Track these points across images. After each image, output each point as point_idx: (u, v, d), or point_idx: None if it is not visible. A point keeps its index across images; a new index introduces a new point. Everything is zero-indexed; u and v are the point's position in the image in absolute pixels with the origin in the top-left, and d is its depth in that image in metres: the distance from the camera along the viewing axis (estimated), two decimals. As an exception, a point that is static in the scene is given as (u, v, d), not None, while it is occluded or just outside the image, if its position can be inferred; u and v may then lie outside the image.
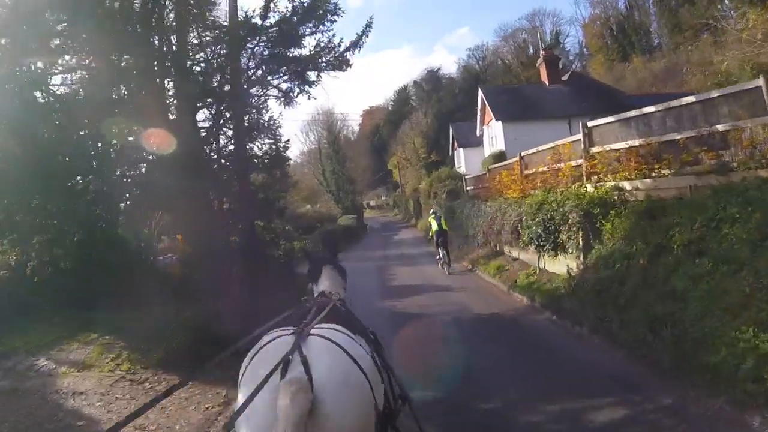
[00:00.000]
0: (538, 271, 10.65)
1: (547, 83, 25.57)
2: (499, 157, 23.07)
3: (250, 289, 8.46)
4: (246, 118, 10.00)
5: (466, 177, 20.27)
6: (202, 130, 9.66)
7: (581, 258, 8.88)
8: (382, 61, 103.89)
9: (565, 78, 26.40)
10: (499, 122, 23.61)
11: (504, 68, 67.21)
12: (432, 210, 17.71)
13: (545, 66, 25.70)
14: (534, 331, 7.98)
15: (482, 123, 26.91)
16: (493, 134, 25.27)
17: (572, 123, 23.29)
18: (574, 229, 8.89)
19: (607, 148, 9.38)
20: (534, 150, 12.99)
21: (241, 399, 2.08)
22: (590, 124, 9.98)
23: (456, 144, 34.38)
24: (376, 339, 3.07)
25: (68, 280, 8.31)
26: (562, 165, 10.41)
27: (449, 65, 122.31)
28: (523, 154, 13.34)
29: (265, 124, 10.46)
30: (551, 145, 11.56)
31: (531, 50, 65.87)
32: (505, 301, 10.24)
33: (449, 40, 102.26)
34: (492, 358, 6.58)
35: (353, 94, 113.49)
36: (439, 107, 64.23)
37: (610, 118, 9.61)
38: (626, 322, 6.12)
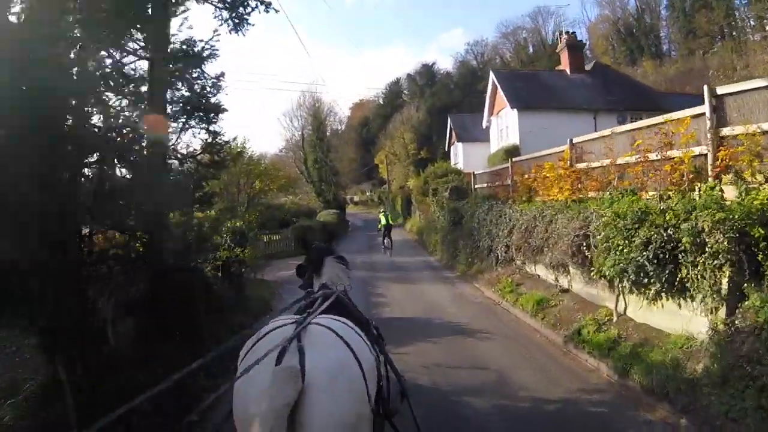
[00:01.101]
0: (615, 317, 6.73)
1: (568, 71, 21.78)
2: (513, 152, 19.25)
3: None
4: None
5: (476, 173, 16.30)
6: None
7: (724, 309, 5.02)
8: (374, 59, 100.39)
9: (588, 68, 22.65)
10: (514, 111, 19.73)
11: (503, 65, 63.77)
12: (381, 209, 22.35)
13: (567, 52, 21.91)
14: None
15: (491, 113, 23.01)
16: (504, 125, 21.39)
17: (598, 118, 19.69)
18: (717, 261, 4.98)
19: (759, 128, 5.54)
20: (594, 135, 9.11)
21: (238, 380, 2.10)
22: (722, 90, 6.11)
23: (455, 138, 30.47)
24: (378, 333, 3.07)
25: None
26: (673, 153, 6.47)
27: (445, 61, 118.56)
28: (575, 140, 9.45)
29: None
30: (636, 126, 7.69)
31: (531, 49, 62.66)
32: (567, 367, 6.26)
33: (443, 40, 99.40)
34: None
35: (344, 90, 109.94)
36: (433, 102, 60.39)
37: (761, 81, 5.76)
38: None
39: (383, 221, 18.63)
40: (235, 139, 11.30)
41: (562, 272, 8.60)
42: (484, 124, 23.41)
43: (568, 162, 9.43)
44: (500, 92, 20.95)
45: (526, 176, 11.41)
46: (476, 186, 16.02)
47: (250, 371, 2.00)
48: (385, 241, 18.28)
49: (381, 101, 76.26)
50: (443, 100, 59.82)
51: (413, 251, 19.51)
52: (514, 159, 12.51)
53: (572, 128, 17.25)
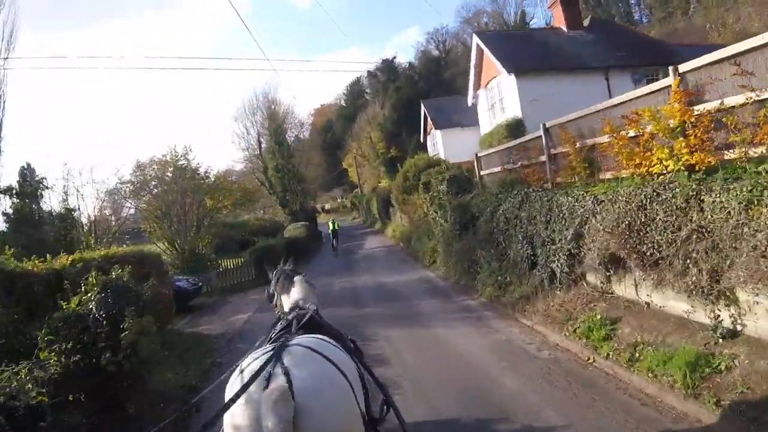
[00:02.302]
0: None
1: (565, 28, 17.95)
2: (516, 126, 15.35)
3: None
4: None
5: (480, 155, 12.07)
6: None
7: None
8: (330, 63, 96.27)
9: (586, 24, 18.87)
10: (511, 77, 15.71)
11: (466, 52, 60.31)
12: (331, 219, 25.83)
13: (561, 5, 18.05)
14: None
15: (477, 86, 18.92)
16: (498, 97, 17.37)
17: (611, 78, 15.98)
18: None
19: None
20: (725, 53, 5.01)
21: (226, 418, 2.06)
22: None
23: (431, 126, 26.39)
24: (356, 346, 3.11)
25: None
26: None
27: (405, 56, 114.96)
28: (684, 67, 5.33)
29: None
30: None
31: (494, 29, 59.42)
32: None
33: (400, 39, 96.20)
34: None
35: (301, 97, 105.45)
36: (398, 97, 56.23)
37: None
38: None
39: (331, 227, 22.42)
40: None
41: (723, 301, 4.47)
42: (470, 100, 19.33)
43: (679, 103, 5.32)
44: (489, 57, 16.90)
45: (579, 145, 7.30)
46: (483, 172, 11.85)
47: (238, 400, 1.99)
48: (333, 243, 21.81)
49: (343, 102, 72.07)
50: (409, 94, 55.75)
51: (403, 264, 15.22)
52: (547, 124, 8.37)
53: (583, 92, 13.69)
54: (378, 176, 54.42)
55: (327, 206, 64.48)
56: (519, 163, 9.67)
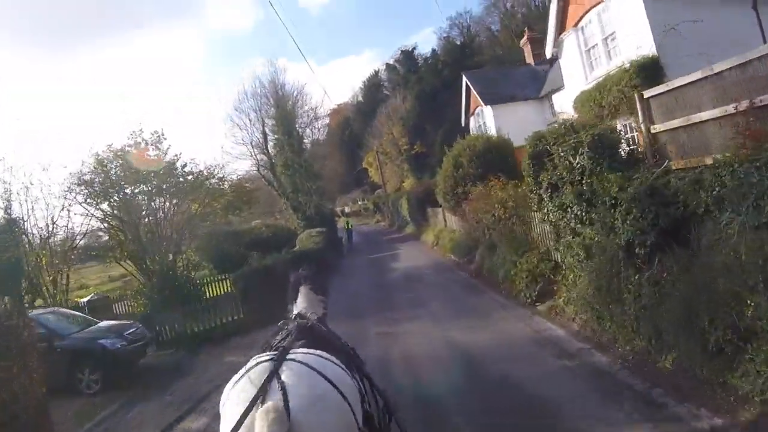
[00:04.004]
0: None
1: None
2: (650, 68, 9.41)
3: None
4: None
5: (652, 95, 5.96)
6: None
7: None
8: (342, 67, 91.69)
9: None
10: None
11: (491, 38, 53.94)
12: (345, 220, 30.24)
13: None
14: None
15: (561, 29, 12.79)
16: (605, 35, 11.33)
17: (761, 7, 10.24)
18: None
19: None
20: None
21: (223, 428, 2.06)
22: None
23: (478, 102, 20.41)
24: (356, 355, 3.05)
25: None
26: None
27: (425, 47, 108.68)
28: None
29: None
30: None
31: (521, 15, 52.86)
32: None
33: (411, 42, 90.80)
34: None
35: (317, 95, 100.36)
36: (421, 87, 50.50)
37: None
38: None
39: (346, 226, 26.00)
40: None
41: None
42: (550, 49, 13.23)
43: None
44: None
45: None
46: (658, 128, 5.85)
47: (234, 408, 2.02)
48: (346, 240, 24.24)
49: (360, 98, 66.37)
50: (432, 84, 50.00)
51: (477, 297, 9.17)
52: None
53: (727, 26, 9.01)
54: (401, 175, 48.71)
55: (347, 209, 58.81)
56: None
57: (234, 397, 2.11)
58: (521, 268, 8.23)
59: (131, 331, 8.73)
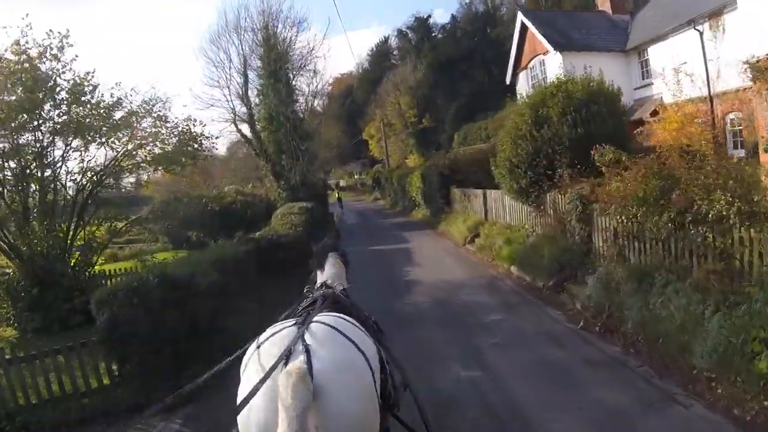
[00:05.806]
0: None
1: None
2: None
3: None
4: None
5: None
6: None
7: None
8: (351, 40, 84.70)
9: None
10: None
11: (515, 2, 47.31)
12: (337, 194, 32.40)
13: None
14: None
15: None
16: None
17: None
18: None
19: None
20: None
21: (243, 389, 1.96)
22: None
23: (542, 48, 14.47)
24: (378, 328, 2.96)
25: None
26: None
27: (441, 16, 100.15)
28: None
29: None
30: None
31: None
32: None
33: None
34: None
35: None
36: (436, 56, 43.98)
37: None
38: None
39: (336, 196, 29.88)
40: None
41: None
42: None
43: None
44: None
45: None
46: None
47: (255, 375, 1.91)
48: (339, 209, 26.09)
49: (367, 65, 59.36)
50: (449, 53, 43.62)
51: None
52: None
53: None
54: (405, 150, 42.90)
55: (342, 182, 52.70)
56: None
57: (256, 358, 2.02)
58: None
59: None
